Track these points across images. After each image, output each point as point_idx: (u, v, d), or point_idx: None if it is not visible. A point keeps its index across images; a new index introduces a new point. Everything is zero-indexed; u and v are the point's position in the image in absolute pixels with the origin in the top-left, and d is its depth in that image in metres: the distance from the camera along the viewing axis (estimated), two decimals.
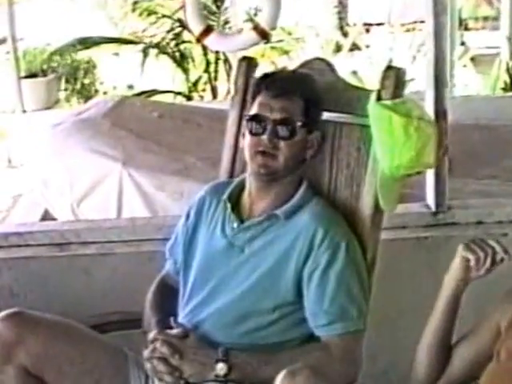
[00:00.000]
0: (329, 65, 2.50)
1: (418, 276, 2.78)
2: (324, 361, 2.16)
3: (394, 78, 2.34)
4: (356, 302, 2.20)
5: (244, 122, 2.35)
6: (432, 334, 2.08)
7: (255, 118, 2.27)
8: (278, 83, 2.28)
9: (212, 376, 2.14)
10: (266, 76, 2.35)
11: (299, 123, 2.28)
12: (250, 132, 2.28)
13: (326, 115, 2.41)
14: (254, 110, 2.29)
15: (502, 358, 1.90)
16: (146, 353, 2.18)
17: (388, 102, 2.31)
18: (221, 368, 2.13)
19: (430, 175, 2.79)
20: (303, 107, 2.29)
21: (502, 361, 1.89)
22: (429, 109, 2.70)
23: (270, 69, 6.76)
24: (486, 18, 10.07)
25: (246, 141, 2.30)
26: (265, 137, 2.25)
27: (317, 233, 2.22)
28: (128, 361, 2.33)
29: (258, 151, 2.26)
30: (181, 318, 2.32)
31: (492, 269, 2.00)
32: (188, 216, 2.42)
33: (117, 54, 9.39)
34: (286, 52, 8.06)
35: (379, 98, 2.33)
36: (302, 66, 2.52)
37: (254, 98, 2.32)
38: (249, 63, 2.63)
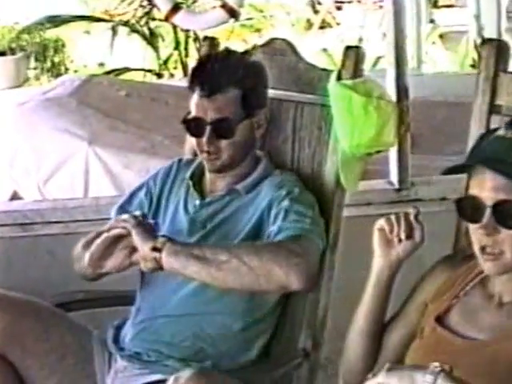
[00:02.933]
0: (290, 45, 2.51)
1: None
2: (282, 255, 2.10)
3: (354, 57, 2.36)
4: (308, 218, 2.19)
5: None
6: (363, 318, 1.97)
7: (191, 121, 2.28)
8: (211, 80, 2.24)
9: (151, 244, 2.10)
10: (199, 67, 2.31)
11: (237, 119, 2.27)
12: (191, 135, 2.29)
13: (287, 95, 2.42)
14: (191, 110, 2.27)
15: (425, 334, 1.86)
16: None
17: (348, 82, 2.32)
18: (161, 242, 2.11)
19: (393, 152, 2.81)
20: (240, 97, 2.26)
21: (425, 336, 1.85)
22: (390, 87, 2.73)
23: (241, 47, 6.77)
24: None
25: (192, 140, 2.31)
26: (204, 139, 2.25)
27: (276, 187, 2.24)
28: (92, 338, 2.33)
29: (202, 150, 2.27)
30: (140, 292, 2.33)
31: (416, 242, 1.91)
32: (154, 182, 2.41)
33: (88, 32, 9.34)
34: (257, 30, 8.07)
35: (340, 78, 2.34)
36: (264, 45, 2.52)
37: (190, 89, 2.27)
38: (211, 43, 2.62)
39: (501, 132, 1.77)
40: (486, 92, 2.11)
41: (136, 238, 2.11)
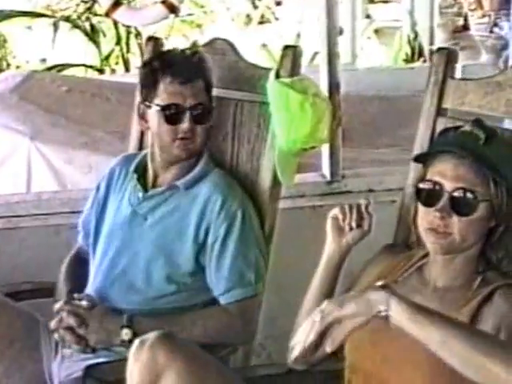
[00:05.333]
0: (230, 44, 2.59)
1: (314, 242, 2.89)
2: (224, 322, 2.28)
3: (292, 56, 2.44)
4: (254, 268, 2.31)
5: (141, 107, 2.38)
6: (313, 299, 2.07)
7: (170, 108, 2.32)
8: (184, 69, 2.31)
9: (118, 342, 2.24)
10: (161, 60, 2.36)
11: (211, 106, 2.36)
12: (167, 121, 2.32)
13: (228, 93, 2.49)
14: (162, 98, 2.31)
15: None
16: (52, 323, 2.27)
17: (286, 80, 2.40)
18: (126, 333, 2.23)
19: (325, 146, 2.89)
20: (205, 89, 2.36)
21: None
22: (323, 82, 2.82)
23: (181, 43, 6.81)
24: None
25: (159, 128, 2.33)
26: (184, 125, 2.30)
27: (215, 202, 2.31)
28: (40, 326, 2.40)
29: (176, 138, 2.32)
30: (90, 286, 2.41)
31: (364, 231, 2.04)
32: (98, 188, 2.49)
33: (30, 28, 9.26)
34: (198, 25, 8.08)
35: (278, 76, 2.42)
36: (206, 45, 2.59)
37: (155, 83, 2.32)
38: (155, 43, 2.70)
39: (467, 128, 1.89)
40: (434, 95, 2.21)
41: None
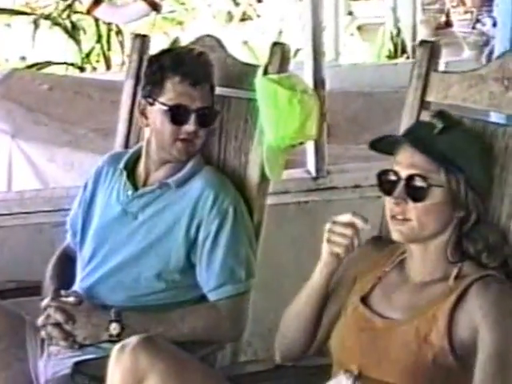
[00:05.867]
0: (218, 41, 2.59)
1: (299, 239, 2.90)
2: (213, 319, 2.28)
3: (280, 53, 2.45)
4: (244, 264, 2.31)
5: (143, 102, 2.37)
6: (305, 301, 2.03)
7: (177, 108, 2.31)
8: (195, 71, 2.31)
9: (106, 336, 2.23)
10: (172, 57, 2.34)
11: (216, 109, 2.37)
12: (172, 121, 2.31)
13: (216, 90, 2.47)
14: (169, 97, 2.30)
15: (348, 312, 1.97)
16: (39, 320, 2.26)
17: (274, 76, 2.41)
18: (114, 328, 2.22)
19: (310, 142, 2.89)
20: (210, 91, 2.37)
21: (348, 315, 1.97)
22: (308, 78, 2.82)
23: (163, 40, 6.78)
24: None
25: (161, 127, 2.32)
26: (188, 126, 2.30)
27: (207, 199, 2.31)
28: (25, 324, 2.39)
29: (178, 139, 2.32)
30: (77, 284, 2.39)
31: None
32: (86, 187, 2.48)
33: (9, 26, 9.21)
34: (179, 22, 8.07)
35: (266, 73, 2.42)
36: (194, 43, 2.59)
37: (162, 80, 2.31)
38: (142, 40, 2.71)
39: (428, 119, 1.95)
40: (417, 89, 2.21)
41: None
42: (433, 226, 1.89)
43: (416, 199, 1.87)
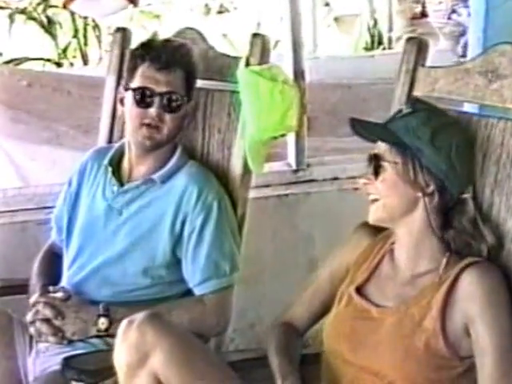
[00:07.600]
0: (200, 34, 2.61)
1: (280, 231, 2.92)
2: (198, 313, 2.30)
3: (261, 44, 2.46)
4: (229, 258, 2.34)
5: (121, 91, 2.41)
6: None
7: (141, 91, 2.33)
8: (162, 56, 2.33)
9: (94, 331, 2.25)
10: (145, 46, 2.39)
11: (184, 97, 2.37)
12: (136, 104, 2.33)
13: (198, 83, 2.50)
14: (137, 81, 2.34)
15: (342, 303, 2.01)
16: (28, 316, 2.27)
17: (255, 68, 2.42)
18: (102, 322, 2.24)
19: (291, 135, 2.93)
20: (184, 79, 2.37)
21: (342, 306, 2.01)
22: (288, 70, 2.84)
23: (140, 33, 6.75)
24: None
25: (129, 112, 2.35)
26: (152, 110, 2.32)
27: (191, 194, 2.33)
28: (12, 322, 2.40)
29: (143, 123, 2.33)
30: (64, 281, 2.41)
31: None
32: (70, 182, 2.49)
33: None
34: (157, 16, 8.04)
35: (247, 64, 2.44)
36: (176, 36, 2.60)
37: (134, 68, 2.35)
38: (123, 34, 2.71)
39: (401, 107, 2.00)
40: (405, 84, 2.24)
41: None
42: (396, 202, 1.93)
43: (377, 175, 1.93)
